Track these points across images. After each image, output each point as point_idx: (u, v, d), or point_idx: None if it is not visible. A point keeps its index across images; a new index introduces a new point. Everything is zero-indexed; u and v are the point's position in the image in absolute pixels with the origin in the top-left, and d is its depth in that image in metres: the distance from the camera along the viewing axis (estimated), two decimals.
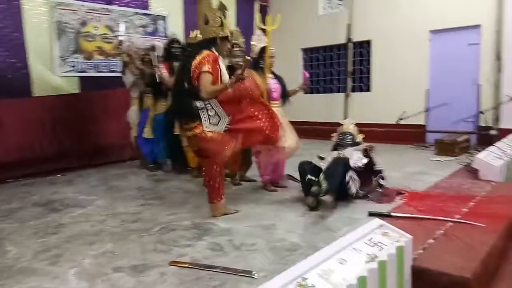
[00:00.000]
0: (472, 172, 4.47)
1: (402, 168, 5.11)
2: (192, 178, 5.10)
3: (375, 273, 1.69)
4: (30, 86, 5.64)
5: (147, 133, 5.56)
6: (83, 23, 6.19)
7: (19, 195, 4.58)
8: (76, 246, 2.88)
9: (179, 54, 5.22)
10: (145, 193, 4.45)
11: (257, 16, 4.29)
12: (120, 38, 5.50)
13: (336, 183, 3.47)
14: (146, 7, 6.99)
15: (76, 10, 6.09)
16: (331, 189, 3.45)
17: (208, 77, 3.20)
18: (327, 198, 3.51)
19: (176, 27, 7.15)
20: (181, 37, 6.42)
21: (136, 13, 6.84)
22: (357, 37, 8.40)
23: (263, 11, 8.65)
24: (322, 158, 3.96)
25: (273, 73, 4.36)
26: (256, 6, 8.84)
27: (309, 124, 8.70)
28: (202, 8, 3.42)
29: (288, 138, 4.23)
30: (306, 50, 9.47)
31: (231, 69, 4.49)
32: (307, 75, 4.51)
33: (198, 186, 4.70)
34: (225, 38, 3.41)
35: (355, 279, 1.58)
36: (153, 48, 5.53)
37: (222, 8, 3.38)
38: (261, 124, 3.42)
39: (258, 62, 4.25)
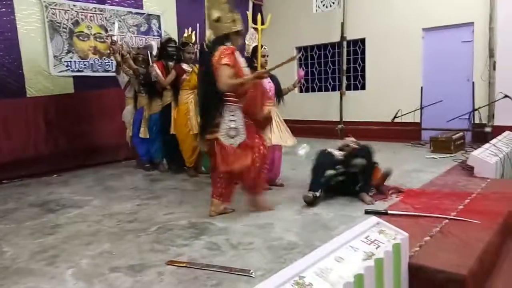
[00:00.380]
0: (467, 169, 4.50)
1: (398, 166, 5.11)
2: (188, 178, 5.10)
3: (372, 271, 1.70)
4: (24, 86, 5.61)
5: (143, 133, 5.55)
6: (76, 23, 6.16)
7: (15, 196, 4.56)
8: (73, 247, 2.87)
9: (175, 53, 5.23)
10: (141, 193, 4.44)
11: (249, 15, 4.28)
12: (113, 37, 5.47)
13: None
14: (139, 6, 6.97)
15: (68, 10, 6.06)
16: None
17: (226, 69, 3.17)
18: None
19: (169, 27, 7.13)
20: (174, 36, 6.42)
21: (130, 12, 6.81)
22: (351, 35, 8.42)
23: (258, 10, 8.65)
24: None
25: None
26: (250, 5, 8.84)
27: (304, 122, 8.72)
28: (211, 5, 3.41)
29: (285, 137, 4.25)
30: (300, 49, 9.48)
31: None
32: (302, 73, 4.52)
33: (195, 185, 4.71)
34: (238, 33, 3.41)
35: (352, 277, 1.59)
36: (147, 47, 5.52)
37: (231, 3, 3.37)
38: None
39: (252, 61, 4.26)
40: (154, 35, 7.12)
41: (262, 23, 4.16)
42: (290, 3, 9.09)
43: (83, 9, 6.24)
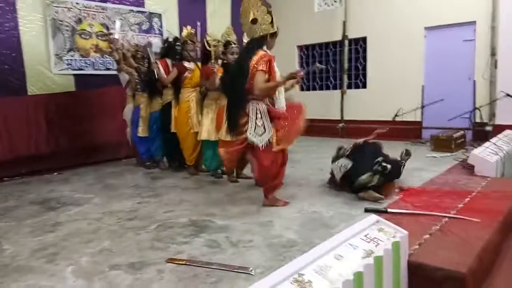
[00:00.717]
0: (467, 168, 4.50)
1: None
2: (189, 176, 5.11)
3: (371, 269, 1.70)
4: (25, 84, 5.62)
5: (142, 131, 5.55)
6: (79, 21, 6.17)
7: (16, 193, 4.56)
8: (73, 244, 2.88)
9: (179, 52, 5.19)
10: (142, 190, 4.45)
11: None
12: (114, 35, 5.47)
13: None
14: (141, 4, 6.97)
15: (71, 8, 6.07)
16: None
17: (262, 75, 3.32)
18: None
19: (171, 25, 7.14)
20: (177, 34, 6.42)
21: (131, 10, 6.82)
22: (353, 34, 8.41)
23: None
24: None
25: None
26: None
27: (305, 121, 8.70)
28: (246, 7, 3.47)
29: None
30: (301, 47, 9.47)
31: (225, 66, 4.51)
32: (301, 73, 4.52)
33: (195, 183, 4.71)
34: (274, 34, 3.50)
35: (351, 274, 1.59)
36: (147, 45, 5.52)
37: (267, 5, 3.42)
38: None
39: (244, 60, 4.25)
40: (155, 34, 7.13)
41: None
42: (292, 2, 9.08)
43: (86, 7, 6.24)
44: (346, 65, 8.53)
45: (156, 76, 5.12)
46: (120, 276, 2.34)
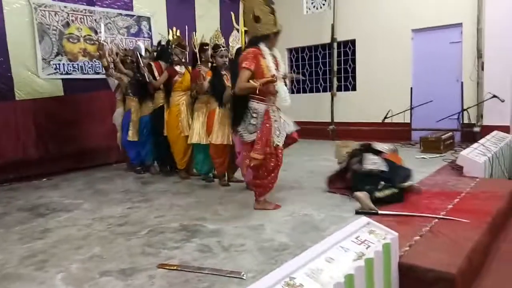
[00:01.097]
0: (456, 169, 4.54)
1: None
2: (180, 180, 5.09)
3: (362, 271, 1.71)
4: (13, 89, 5.54)
5: (132, 135, 5.51)
6: (66, 25, 6.12)
7: (4, 200, 4.50)
8: (63, 251, 2.84)
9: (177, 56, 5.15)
10: (132, 195, 4.41)
11: (232, 16, 4.28)
12: (100, 40, 5.44)
13: None
14: (129, 8, 6.93)
15: (58, 12, 6.01)
16: None
17: (245, 73, 3.33)
18: None
19: (159, 28, 7.11)
20: (167, 38, 6.39)
21: (120, 14, 6.78)
22: (342, 36, 8.47)
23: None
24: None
25: None
26: (241, 6, 8.85)
27: (296, 123, 8.71)
28: (249, 5, 3.48)
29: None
30: (291, 50, 9.51)
31: (215, 70, 4.51)
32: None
33: (186, 187, 4.69)
34: (277, 34, 3.51)
35: (342, 277, 1.60)
36: (135, 49, 5.49)
37: (271, 3, 3.44)
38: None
39: (236, 63, 4.25)
40: (144, 37, 7.09)
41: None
42: (281, 5, 9.01)
43: (74, 11, 6.19)
44: (335, 68, 8.58)
45: (147, 80, 5.09)
46: (111, 282, 2.31)
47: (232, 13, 4.46)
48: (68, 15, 6.13)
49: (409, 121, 7.50)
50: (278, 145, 3.54)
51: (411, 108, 7.39)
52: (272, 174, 3.58)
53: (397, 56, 7.65)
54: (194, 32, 5.15)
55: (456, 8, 6.89)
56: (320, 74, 9.12)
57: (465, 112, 6.77)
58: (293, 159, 6.02)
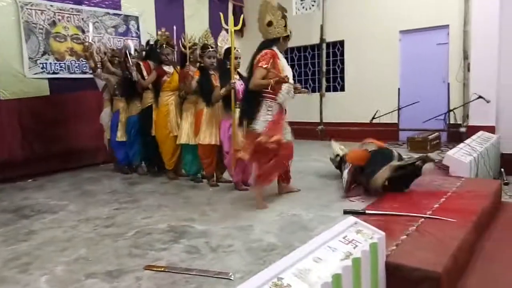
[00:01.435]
0: (443, 168, 4.59)
1: None
2: (168, 181, 5.05)
3: (350, 270, 1.72)
4: None
5: (120, 136, 5.46)
6: (53, 23, 6.03)
7: None
8: (48, 253, 2.80)
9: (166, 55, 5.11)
10: (119, 196, 4.37)
11: (221, 16, 4.29)
12: (88, 40, 5.38)
13: None
14: (117, 7, 6.87)
15: (44, 10, 5.92)
16: None
17: (261, 71, 3.58)
18: None
19: (148, 28, 7.06)
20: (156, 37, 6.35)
21: (107, 13, 6.71)
22: (331, 37, 8.51)
23: (238, 11, 8.65)
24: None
25: (239, 74, 4.37)
26: (230, 6, 8.84)
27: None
28: (264, 10, 3.72)
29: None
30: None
31: (202, 70, 4.49)
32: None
33: (174, 188, 4.66)
34: (287, 37, 3.81)
35: (330, 277, 1.60)
36: (125, 48, 5.44)
37: (283, 9, 3.72)
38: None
39: (224, 63, 4.26)
40: (132, 36, 7.03)
41: (235, 24, 4.16)
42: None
43: (60, 10, 6.10)
44: (324, 68, 8.61)
45: (135, 79, 5.04)
46: (96, 284, 2.29)
47: (221, 13, 4.45)
48: (55, 14, 6.04)
49: (396, 122, 7.56)
50: (288, 140, 3.82)
51: (399, 109, 7.46)
52: (271, 163, 3.65)
53: (385, 57, 7.71)
54: (184, 33, 5.13)
55: (443, 10, 6.97)
56: (309, 74, 9.14)
57: (451, 113, 6.86)
58: None
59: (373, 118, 7.38)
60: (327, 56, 8.68)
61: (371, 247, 1.91)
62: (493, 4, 6.24)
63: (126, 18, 7.00)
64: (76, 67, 6.33)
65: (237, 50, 4.24)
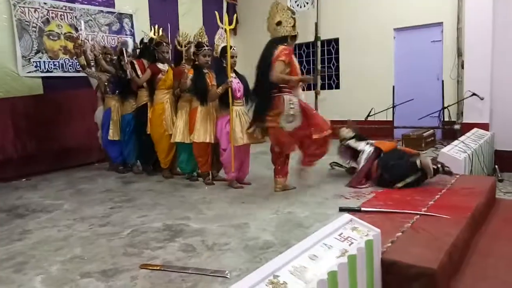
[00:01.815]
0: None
1: None
2: (163, 179, 5.03)
3: (345, 268, 1.72)
4: None
5: (113, 135, 5.43)
6: (46, 21, 5.99)
7: None
8: (42, 253, 2.78)
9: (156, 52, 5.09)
10: (115, 195, 4.35)
11: (216, 15, 4.28)
12: (80, 38, 5.34)
13: None
14: (111, 5, 6.83)
15: (38, 8, 5.88)
16: None
17: (281, 65, 3.72)
18: None
19: (142, 25, 7.03)
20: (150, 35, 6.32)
21: (101, 11, 6.67)
22: (325, 35, 8.51)
23: (232, 9, 8.64)
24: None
25: (235, 72, 4.37)
26: (225, 4, 8.82)
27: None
28: (274, 11, 3.95)
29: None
30: None
31: (197, 68, 4.48)
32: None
33: (170, 187, 4.65)
34: (295, 36, 3.98)
35: (326, 274, 1.60)
36: (123, 44, 5.41)
37: (292, 10, 3.97)
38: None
39: (221, 62, 4.25)
40: (126, 34, 7.00)
41: (230, 23, 4.15)
42: (265, 3, 9.04)
43: (54, 8, 6.06)
44: (319, 66, 8.62)
45: (130, 77, 5.01)
46: (92, 283, 2.28)
47: (216, 12, 4.43)
48: (48, 12, 6.00)
49: (391, 119, 7.58)
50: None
51: (393, 106, 7.48)
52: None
53: (380, 54, 7.73)
54: (179, 31, 5.11)
55: (437, 7, 7.00)
56: (304, 72, 9.14)
57: (445, 110, 6.89)
58: None
59: (368, 115, 7.40)
60: (322, 54, 8.69)
61: (366, 244, 1.91)
62: (486, 1, 6.26)
63: (120, 16, 6.96)
64: (69, 66, 6.28)
65: (233, 49, 4.24)
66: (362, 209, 3.12)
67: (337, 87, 8.59)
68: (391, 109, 7.49)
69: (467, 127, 6.16)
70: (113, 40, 6.74)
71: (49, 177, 5.51)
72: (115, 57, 5.49)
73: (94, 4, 6.57)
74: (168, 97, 5.02)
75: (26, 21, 5.75)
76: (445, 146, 4.90)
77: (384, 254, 2.13)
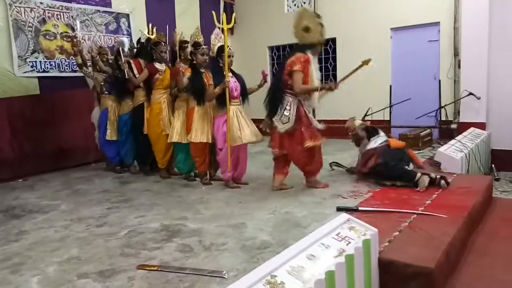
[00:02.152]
0: (434, 164, 4.62)
1: None
2: (160, 179, 5.02)
3: (343, 267, 1.72)
4: None
5: (110, 135, 5.41)
6: (43, 21, 5.96)
7: None
8: (39, 253, 2.77)
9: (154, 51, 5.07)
10: (112, 196, 4.34)
11: (214, 15, 4.28)
12: (76, 37, 5.32)
13: None
14: (107, 4, 6.81)
15: (34, 8, 5.85)
16: None
17: (299, 75, 3.80)
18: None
19: (139, 25, 7.00)
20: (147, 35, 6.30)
21: (98, 11, 6.65)
22: None
23: (229, 9, 8.62)
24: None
25: (232, 71, 4.36)
26: (222, 4, 8.81)
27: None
28: (302, 18, 3.97)
29: (255, 133, 4.28)
30: (272, 48, 9.50)
31: (194, 68, 4.47)
32: (266, 73, 4.63)
33: (167, 187, 4.64)
34: (322, 43, 4.09)
35: (323, 274, 1.60)
36: (119, 44, 5.39)
37: (319, 17, 4.02)
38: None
39: (217, 62, 4.25)
40: (123, 34, 6.97)
41: (227, 23, 4.14)
42: (262, 3, 9.08)
43: (50, 7, 6.03)
44: (316, 66, 8.60)
45: (127, 76, 4.99)
46: (89, 284, 2.27)
47: (213, 11, 4.42)
48: (44, 12, 5.97)
49: (388, 119, 7.59)
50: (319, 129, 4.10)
51: (391, 106, 7.49)
52: (313, 160, 4.03)
53: (377, 54, 7.69)
54: (175, 30, 5.10)
55: (434, 7, 7.00)
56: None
57: (442, 110, 6.90)
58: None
59: (365, 115, 7.39)
60: (319, 53, 8.67)
61: (364, 244, 1.91)
62: (483, 1, 6.28)
63: (117, 16, 6.94)
64: (66, 66, 6.26)
65: (230, 48, 4.23)
66: (360, 208, 3.13)
67: None
68: (388, 108, 7.49)
69: (464, 126, 6.17)
70: (110, 40, 6.71)
71: (46, 178, 5.49)
72: (111, 57, 5.47)
73: (90, 4, 6.54)
74: (165, 97, 5.00)
75: (22, 21, 5.72)
76: (442, 145, 4.91)
77: (382, 253, 2.13)
